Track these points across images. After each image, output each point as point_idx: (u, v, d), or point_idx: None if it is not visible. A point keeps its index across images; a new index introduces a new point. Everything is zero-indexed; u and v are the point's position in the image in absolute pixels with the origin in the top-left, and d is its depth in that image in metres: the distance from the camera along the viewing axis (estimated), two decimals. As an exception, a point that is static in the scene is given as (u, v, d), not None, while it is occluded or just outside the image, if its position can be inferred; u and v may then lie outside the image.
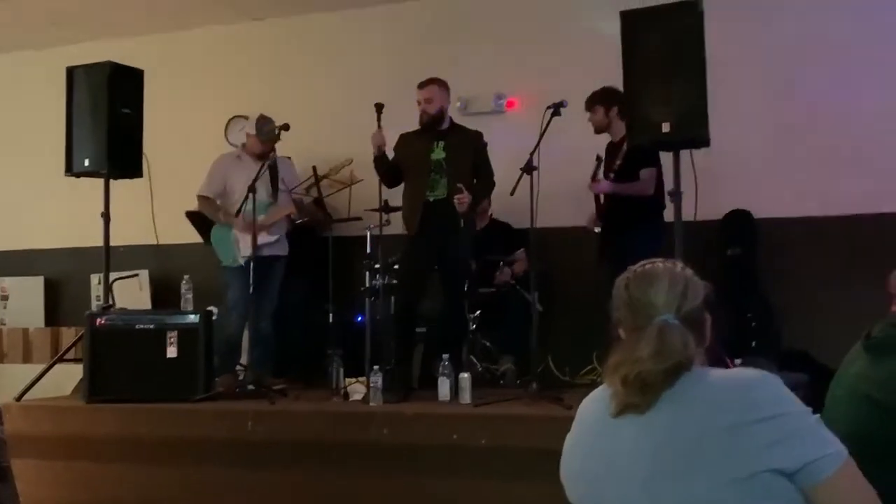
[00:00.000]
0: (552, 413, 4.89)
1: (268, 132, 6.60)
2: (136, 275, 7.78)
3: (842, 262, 6.61)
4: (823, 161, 6.72)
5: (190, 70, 8.49)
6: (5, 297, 8.72)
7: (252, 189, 6.15)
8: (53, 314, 8.70)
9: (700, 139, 5.16)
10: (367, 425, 5.13)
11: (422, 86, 6.17)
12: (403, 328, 6.15)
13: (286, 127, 6.29)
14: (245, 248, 6.51)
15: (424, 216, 6.03)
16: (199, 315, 5.99)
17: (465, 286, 6.26)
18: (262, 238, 6.45)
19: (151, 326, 5.93)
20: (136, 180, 6.50)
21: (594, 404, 2.16)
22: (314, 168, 6.74)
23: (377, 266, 6.27)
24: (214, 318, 6.25)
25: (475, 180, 6.14)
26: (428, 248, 6.06)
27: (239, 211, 6.32)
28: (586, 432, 2.15)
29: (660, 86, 5.21)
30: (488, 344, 6.73)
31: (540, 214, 5.59)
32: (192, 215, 7.45)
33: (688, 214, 5.33)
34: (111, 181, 6.41)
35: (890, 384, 2.44)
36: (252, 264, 6.24)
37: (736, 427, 1.91)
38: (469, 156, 6.14)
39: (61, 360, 6.61)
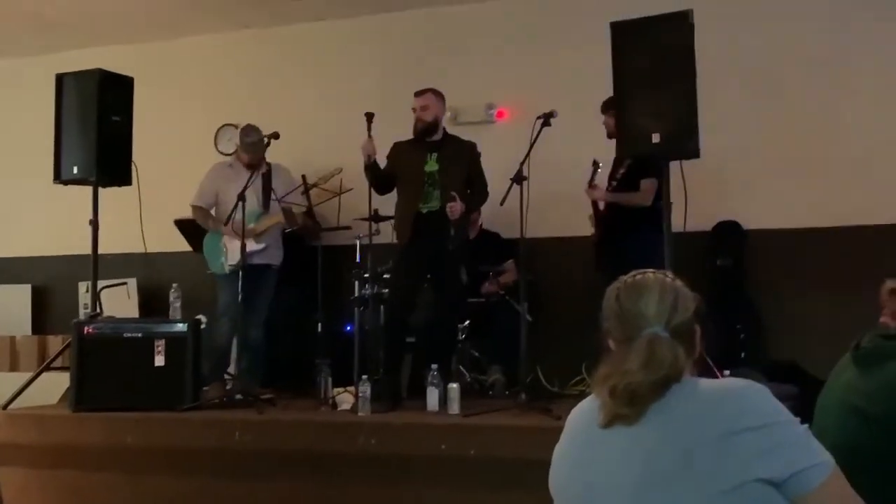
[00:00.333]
0: (541, 424, 4.89)
1: (250, 143, 6.59)
2: (125, 283, 7.75)
3: (831, 274, 6.63)
4: (812, 173, 6.75)
5: (180, 78, 8.49)
6: (-8, 305, 8.70)
7: (241, 197, 6.14)
8: (40, 322, 8.66)
9: (690, 150, 5.17)
10: (355, 435, 5.11)
11: (418, 94, 6.18)
12: (393, 338, 6.14)
13: (276, 136, 6.28)
14: (232, 256, 6.50)
15: (416, 227, 6.02)
16: (187, 324, 5.97)
17: (457, 297, 6.25)
18: (250, 246, 6.44)
19: (139, 335, 5.91)
20: (124, 188, 6.47)
21: (583, 415, 2.16)
22: (304, 177, 6.72)
23: (366, 275, 6.27)
24: (203, 326, 6.23)
25: (468, 191, 6.13)
26: (419, 259, 6.05)
27: (229, 219, 6.31)
28: (575, 443, 2.15)
29: (650, 97, 5.22)
30: (477, 354, 6.73)
31: (529, 224, 5.59)
32: (180, 224, 7.44)
33: (677, 225, 5.34)
34: (100, 189, 6.39)
35: (878, 395, 2.45)
36: (242, 272, 6.22)
37: (725, 437, 1.90)
38: (463, 167, 6.14)
39: (48, 368, 6.58)
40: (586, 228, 6.55)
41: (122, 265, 7.72)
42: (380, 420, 5.31)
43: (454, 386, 5.49)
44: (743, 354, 6.60)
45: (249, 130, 6.66)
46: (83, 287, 7.81)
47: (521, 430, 4.91)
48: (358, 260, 6.49)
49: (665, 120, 5.15)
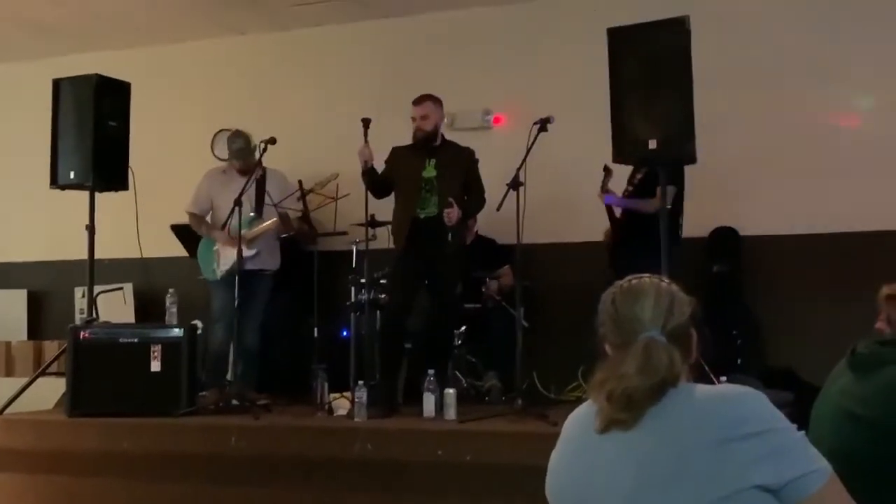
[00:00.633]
0: (537, 429, 4.89)
1: (237, 149, 6.58)
2: (121, 288, 7.75)
3: (827, 280, 6.63)
4: (809, 179, 6.75)
5: (177, 84, 8.49)
6: (-12, 310, 8.68)
7: (238, 203, 6.15)
8: (36, 327, 8.65)
9: (686, 156, 5.17)
10: (351, 441, 5.11)
11: (417, 102, 6.18)
12: (390, 343, 6.14)
13: (272, 141, 6.28)
14: (224, 263, 6.51)
15: (413, 232, 6.03)
16: (183, 329, 5.97)
17: (453, 303, 6.26)
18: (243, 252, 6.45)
19: (135, 340, 5.91)
20: (121, 193, 6.47)
21: (579, 420, 2.16)
22: (300, 182, 6.72)
23: (363, 281, 6.27)
24: (199, 332, 6.23)
25: (466, 197, 6.14)
26: (417, 265, 6.05)
27: (225, 224, 6.32)
28: (571, 448, 2.15)
29: (646, 102, 5.22)
30: (474, 360, 6.73)
31: (526, 230, 5.59)
32: (177, 229, 7.43)
33: (675, 231, 5.34)
34: (96, 194, 6.39)
35: (874, 401, 2.45)
36: (237, 278, 6.21)
37: (721, 443, 1.90)
38: (460, 173, 6.14)
39: (44, 373, 6.58)
40: (583, 234, 6.56)
41: (119, 270, 7.71)
42: (376, 426, 5.31)
43: (450, 391, 5.49)
44: (739, 361, 6.59)
45: (235, 137, 6.65)
46: (79, 292, 7.79)
47: (518, 435, 4.91)
48: (354, 265, 6.48)
49: (662, 125, 5.16)
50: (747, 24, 7.02)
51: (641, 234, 5.91)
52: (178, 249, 7.56)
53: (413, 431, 5.21)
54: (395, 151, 6.28)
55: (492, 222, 6.68)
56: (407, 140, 6.26)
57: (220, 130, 8.10)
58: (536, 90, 7.25)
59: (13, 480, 5.63)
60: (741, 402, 1.97)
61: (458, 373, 6.44)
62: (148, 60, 8.41)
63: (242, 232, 6.36)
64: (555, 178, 6.61)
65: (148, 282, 7.74)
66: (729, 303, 6.80)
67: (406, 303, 6.16)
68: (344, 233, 6.64)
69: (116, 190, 6.46)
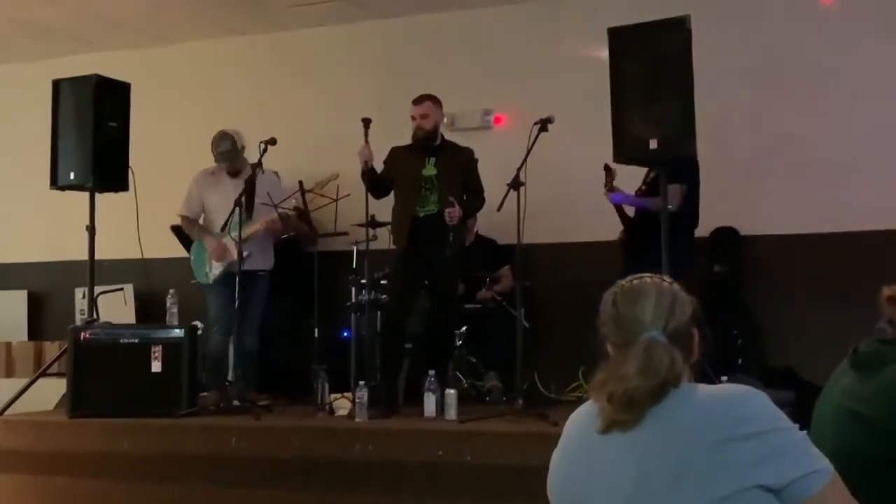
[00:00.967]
0: (538, 429, 4.89)
1: (222, 152, 6.55)
2: (121, 289, 7.75)
3: (827, 280, 6.62)
4: (809, 179, 6.74)
5: (177, 84, 8.48)
6: (-12, 311, 8.67)
7: (239, 203, 6.15)
8: (37, 328, 8.65)
9: (687, 156, 5.17)
10: (352, 441, 5.11)
11: (417, 101, 6.18)
12: (390, 344, 6.15)
13: (273, 141, 6.27)
14: (217, 266, 6.50)
15: (413, 231, 6.03)
16: (183, 329, 5.97)
17: (453, 302, 6.26)
18: (225, 256, 6.44)
19: (136, 341, 5.90)
20: (121, 194, 6.47)
21: (580, 421, 2.15)
22: (300, 182, 6.72)
23: (363, 281, 6.26)
24: (199, 332, 6.23)
25: (465, 197, 6.14)
26: (417, 264, 6.05)
27: (225, 225, 6.32)
28: (573, 449, 2.15)
29: (647, 102, 5.22)
30: (474, 360, 6.72)
31: (526, 230, 5.59)
32: (177, 229, 7.43)
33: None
34: (96, 195, 6.39)
35: (877, 400, 2.45)
36: (238, 279, 6.20)
37: (723, 443, 1.90)
38: (460, 172, 6.15)
39: (44, 374, 6.57)
40: (583, 234, 6.55)
41: (119, 271, 7.71)
42: (377, 426, 5.31)
43: (451, 392, 5.49)
44: (740, 360, 6.58)
45: (221, 139, 6.58)
46: (80, 293, 7.79)
47: (518, 436, 4.91)
48: (355, 266, 6.48)
49: (662, 125, 5.16)
50: (747, 23, 7.02)
51: (654, 233, 5.87)
52: (178, 250, 7.54)
53: (414, 432, 5.21)
54: (395, 151, 6.29)
55: (492, 222, 6.68)
56: (407, 140, 6.26)
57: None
58: (537, 90, 7.25)
59: (13, 481, 5.63)
60: (742, 402, 1.97)
61: (458, 373, 6.44)
62: (148, 61, 8.41)
63: (233, 235, 6.38)
64: (555, 179, 6.61)
65: (148, 282, 7.73)
66: (729, 302, 6.79)
67: (406, 303, 6.16)
68: (344, 233, 6.64)
69: (116, 191, 6.46)
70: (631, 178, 6.20)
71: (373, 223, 6.14)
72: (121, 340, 5.92)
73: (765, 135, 6.88)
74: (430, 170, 6.12)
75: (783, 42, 6.94)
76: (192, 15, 7.94)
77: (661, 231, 5.50)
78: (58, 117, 6.41)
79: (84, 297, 6.84)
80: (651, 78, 5.23)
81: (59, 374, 6.43)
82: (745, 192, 6.92)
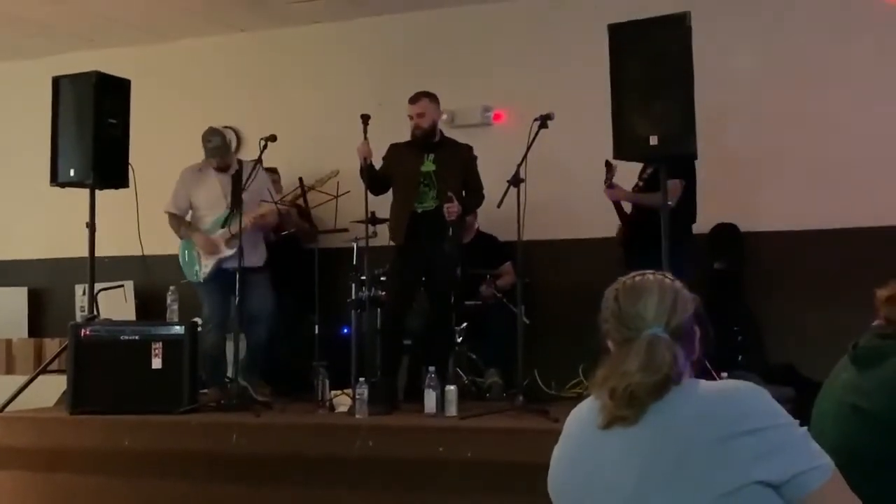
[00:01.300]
0: (538, 426, 4.89)
1: (212, 148, 6.54)
2: (121, 286, 7.74)
3: (827, 277, 6.63)
4: (810, 175, 6.74)
5: (176, 81, 8.48)
6: (-12, 308, 8.67)
7: (237, 202, 6.15)
8: (37, 325, 8.65)
9: (687, 153, 5.17)
10: (352, 438, 5.11)
11: (413, 100, 6.17)
12: (390, 340, 6.15)
13: (273, 138, 6.27)
14: (206, 265, 6.50)
15: (412, 227, 6.03)
16: (184, 326, 5.97)
17: (452, 298, 6.26)
18: (220, 252, 6.43)
19: (136, 338, 5.90)
20: (121, 191, 6.47)
21: (581, 417, 2.16)
22: (300, 179, 6.72)
23: (363, 278, 6.26)
24: (199, 329, 6.22)
25: (464, 193, 6.14)
26: (415, 260, 6.06)
27: (225, 223, 6.32)
28: (573, 445, 2.15)
29: (647, 99, 5.22)
30: (474, 357, 6.72)
31: (527, 227, 5.59)
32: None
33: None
34: (96, 191, 6.39)
35: (878, 395, 2.45)
36: (238, 277, 6.20)
37: (724, 439, 1.90)
38: (459, 169, 6.15)
39: (45, 371, 6.57)
40: (584, 230, 6.55)
41: (119, 268, 7.70)
42: (377, 422, 5.31)
43: (451, 388, 5.50)
44: (740, 357, 6.58)
45: (211, 135, 6.57)
46: (80, 290, 7.79)
47: (519, 432, 4.91)
48: (355, 262, 6.48)
49: (662, 122, 5.15)
50: (748, 19, 7.01)
51: (653, 229, 5.87)
52: (178, 247, 7.55)
53: (414, 428, 5.22)
54: (393, 148, 6.29)
55: (492, 219, 6.68)
56: (406, 137, 6.26)
57: (223, 127, 8.10)
58: (537, 87, 7.24)
59: (14, 478, 5.63)
60: (743, 398, 1.97)
61: (458, 369, 6.44)
62: (147, 58, 8.40)
63: (220, 232, 6.38)
64: (555, 175, 6.60)
65: (148, 279, 7.73)
66: (730, 299, 6.79)
67: (405, 300, 6.17)
68: (344, 230, 6.63)
69: (117, 187, 6.46)
70: (631, 174, 6.20)
71: (373, 220, 6.15)
72: (121, 337, 5.92)
73: (765, 131, 6.88)
74: (428, 166, 6.12)
75: (783, 39, 6.93)
76: (191, 12, 7.93)
77: (659, 227, 5.48)
78: (58, 114, 6.40)
79: (84, 293, 6.84)
80: (651, 75, 5.22)
81: (59, 371, 6.43)
82: (746, 188, 6.92)
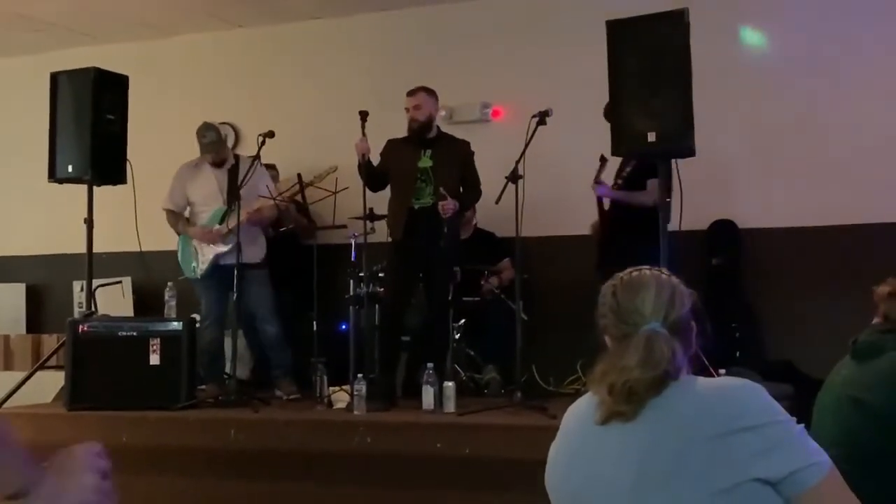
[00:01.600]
0: (536, 422, 4.89)
1: (207, 143, 6.53)
2: (119, 282, 7.74)
3: (825, 273, 6.63)
4: (808, 172, 6.75)
5: (174, 77, 8.47)
6: (-14, 304, 8.66)
7: (236, 197, 6.14)
8: (35, 321, 8.64)
9: (685, 149, 5.17)
10: (350, 434, 5.11)
11: (411, 93, 6.18)
12: (388, 336, 6.15)
13: (271, 134, 6.26)
14: (203, 261, 6.49)
15: (409, 223, 6.03)
16: (182, 322, 5.96)
17: (450, 295, 6.26)
18: (216, 248, 6.43)
19: (134, 334, 5.90)
20: (119, 187, 6.46)
21: (579, 413, 2.16)
22: (299, 175, 6.72)
23: (361, 274, 6.26)
24: (198, 325, 6.22)
25: (461, 189, 6.14)
26: (413, 256, 6.05)
27: (223, 219, 6.31)
28: (571, 441, 2.15)
29: (645, 95, 5.21)
30: (472, 353, 6.72)
31: (525, 223, 5.59)
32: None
33: (672, 224, 5.33)
34: (94, 187, 6.38)
35: (878, 388, 2.46)
36: (236, 273, 6.19)
37: (721, 436, 1.90)
38: (456, 165, 6.15)
39: (43, 367, 6.57)
40: (582, 227, 6.54)
41: (117, 264, 7.70)
42: (375, 419, 5.31)
43: (449, 385, 5.50)
44: (738, 354, 6.59)
45: (206, 130, 6.55)
46: (78, 286, 7.78)
47: (517, 428, 4.91)
48: (353, 258, 6.48)
49: (661, 118, 5.15)
50: (747, 15, 7.01)
51: (632, 227, 5.92)
52: (176, 243, 7.55)
53: (412, 424, 5.22)
54: (391, 144, 6.29)
55: (491, 216, 6.68)
56: (404, 133, 6.25)
57: (219, 124, 8.09)
58: (535, 83, 7.24)
59: (12, 474, 5.63)
60: (741, 395, 1.98)
61: (457, 366, 6.44)
62: (145, 54, 8.40)
63: (216, 227, 6.37)
64: (554, 172, 6.60)
65: (146, 275, 7.73)
66: (728, 296, 6.79)
67: (403, 296, 6.17)
68: (343, 226, 6.62)
69: (115, 183, 6.45)
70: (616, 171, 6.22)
71: (371, 216, 6.14)
72: (119, 333, 5.91)
73: (763, 127, 6.88)
74: (425, 162, 6.12)
75: (782, 34, 6.93)
76: (189, 7, 7.93)
77: (638, 225, 5.71)
78: (56, 110, 6.39)
79: (82, 290, 6.83)
80: (649, 71, 5.22)
81: (57, 367, 6.43)
82: (744, 185, 6.93)
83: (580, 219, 6.60)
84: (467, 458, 4.84)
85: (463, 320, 6.58)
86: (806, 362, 6.11)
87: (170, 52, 8.56)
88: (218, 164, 6.57)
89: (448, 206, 5.89)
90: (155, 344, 5.85)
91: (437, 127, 6.30)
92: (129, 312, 7.80)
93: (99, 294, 6.67)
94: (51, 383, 6.39)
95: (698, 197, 6.10)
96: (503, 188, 5.56)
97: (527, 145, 5.59)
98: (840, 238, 6.62)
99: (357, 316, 6.31)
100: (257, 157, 6.38)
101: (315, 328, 6.55)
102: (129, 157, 6.46)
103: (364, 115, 6.04)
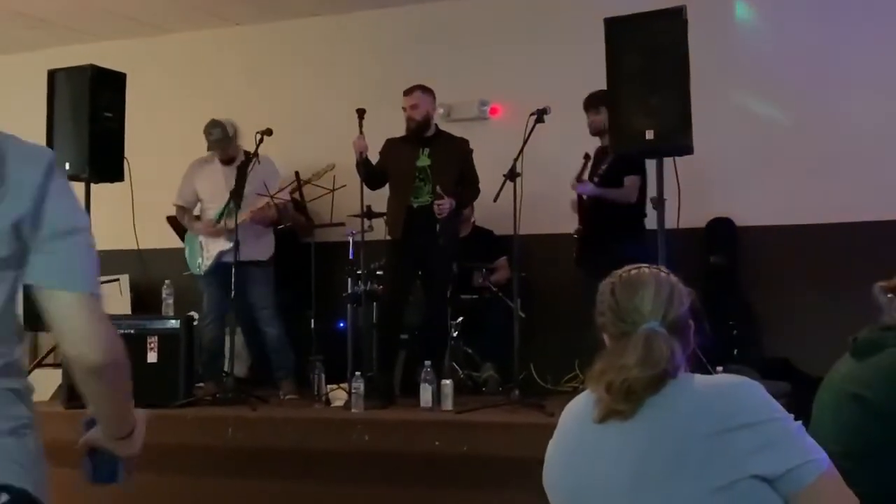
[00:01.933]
0: (534, 420, 4.89)
1: (214, 140, 6.53)
2: (117, 280, 7.72)
3: (823, 271, 6.63)
4: (805, 170, 6.74)
5: (172, 74, 8.46)
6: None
7: (234, 194, 6.14)
8: (33, 318, 8.53)
9: (683, 147, 5.16)
10: (348, 432, 5.11)
11: (407, 92, 6.17)
12: (386, 334, 6.15)
13: (269, 132, 6.26)
14: (207, 257, 6.49)
15: (408, 222, 6.03)
16: (179, 320, 5.96)
17: (448, 293, 6.26)
18: (219, 245, 6.42)
19: (132, 331, 5.88)
20: (116, 184, 6.45)
21: (577, 411, 2.16)
22: (297, 173, 6.71)
23: (359, 272, 6.26)
24: (195, 323, 6.22)
25: (459, 187, 6.14)
26: (411, 255, 6.06)
27: (221, 216, 6.31)
28: (569, 439, 2.15)
29: (644, 93, 5.20)
30: (470, 351, 6.73)
31: (523, 221, 5.59)
32: (173, 220, 7.41)
33: (670, 222, 5.34)
34: (92, 185, 6.37)
35: (877, 384, 2.46)
36: (234, 271, 6.18)
37: (719, 433, 1.91)
38: (455, 163, 6.14)
39: (40, 364, 6.56)
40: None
41: (115, 262, 7.66)
42: (373, 416, 5.32)
43: (447, 382, 5.50)
44: (736, 352, 6.59)
45: (212, 127, 6.54)
46: (75, 284, 7.76)
47: (514, 426, 4.92)
48: (351, 256, 6.48)
49: (659, 116, 5.14)
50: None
51: (611, 224, 5.96)
52: (174, 241, 7.53)
53: (410, 422, 5.22)
54: (389, 143, 6.29)
55: (489, 213, 6.68)
56: (402, 131, 6.25)
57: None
58: (533, 81, 7.23)
59: (10, 472, 5.63)
60: (739, 392, 1.98)
61: (454, 364, 6.44)
62: (143, 51, 8.39)
63: (220, 224, 6.36)
64: (551, 169, 6.59)
65: (144, 273, 7.71)
66: (726, 294, 6.79)
67: (401, 294, 6.17)
68: (341, 224, 6.63)
69: (112, 181, 6.43)
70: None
71: (369, 214, 6.14)
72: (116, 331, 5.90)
73: (761, 125, 6.87)
74: (424, 160, 6.12)
75: (779, 32, 6.93)
76: (187, 4, 7.92)
77: (616, 224, 5.93)
78: (53, 108, 6.36)
79: (80, 287, 6.81)
80: (648, 68, 5.21)
81: (55, 365, 6.42)
82: (742, 182, 6.92)
83: (578, 217, 6.58)
84: (465, 456, 4.84)
85: (461, 318, 6.59)
86: (803, 360, 6.12)
87: (167, 50, 8.55)
88: (226, 162, 6.56)
89: (444, 205, 5.89)
90: (152, 342, 5.85)
91: (436, 125, 6.30)
92: (127, 310, 7.78)
93: (96, 292, 6.65)
94: (49, 381, 6.36)
95: (696, 195, 6.10)
96: (501, 186, 5.56)
97: (525, 143, 5.59)
98: (838, 236, 6.62)
99: (355, 314, 6.31)
100: (255, 154, 6.38)
101: (313, 326, 6.55)
102: (126, 154, 6.44)
103: (362, 113, 6.04)
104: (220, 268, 6.41)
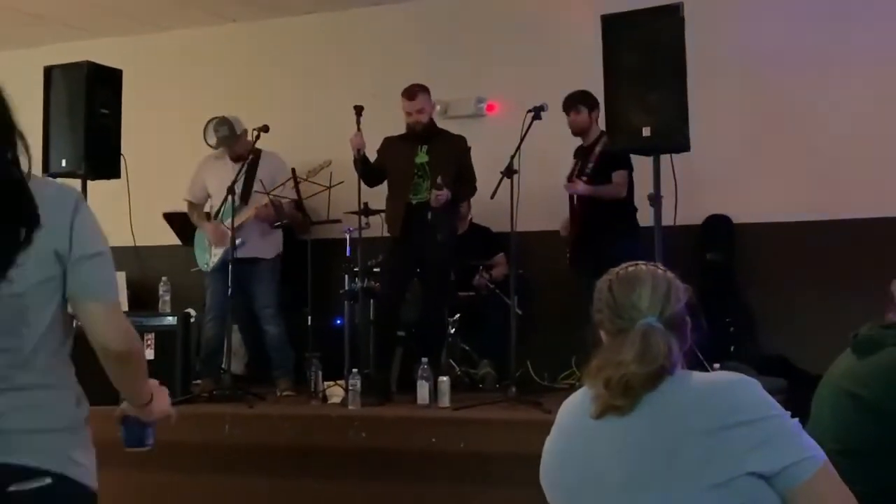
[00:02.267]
0: (531, 417, 4.90)
1: (221, 137, 6.53)
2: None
3: (820, 268, 6.63)
4: (803, 167, 6.74)
5: (169, 71, 8.45)
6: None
7: (231, 191, 6.13)
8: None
9: (680, 144, 5.16)
10: (345, 429, 5.11)
11: (411, 97, 6.12)
12: (383, 331, 6.15)
13: (265, 129, 6.26)
14: (214, 254, 6.49)
15: (407, 219, 6.02)
16: (176, 317, 5.96)
17: (446, 290, 6.26)
18: (226, 242, 6.43)
19: (129, 329, 5.87)
20: (113, 181, 6.44)
21: (574, 408, 2.16)
22: (293, 170, 6.71)
23: (356, 269, 6.26)
24: (192, 320, 6.21)
25: (457, 184, 6.13)
26: (409, 252, 6.05)
27: (218, 213, 6.30)
28: (566, 436, 2.15)
29: (640, 90, 5.20)
30: (467, 348, 6.73)
31: (520, 218, 5.59)
32: (170, 217, 7.41)
33: (667, 219, 5.33)
34: (88, 182, 6.36)
35: (875, 383, 2.46)
36: (231, 268, 6.18)
37: (715, 430, 1.91)
38: (453, 160, 6.14)
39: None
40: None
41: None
42: (370, 413, 5.31)
43: (444, 379, 5.50)
44: (732, 348, 6.59)
45: (220, 125, 6.57)
46: (72, 281, 7.75)
47: (511, 423, 4.92)
48: (348, 253, 6.47)
49: (656, 113, 5.14)
50: (741, 9, 7.00)
51: (603, 222, 5.97)
52: (171, 238, 7.54)
53: (407, 419, 5.22)
54: (387, 141, 6.29)
55: (486, 210, 6.68)
56: (400, 129, 6.25)
57: (213, 118, 8.08)
58: (530, 78, 7.23)
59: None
60: (735, 389, 1.98)
61: (451, 361, 6.45)
62: (139, 48, 8.37)
63: (227, 222, 6.36)
64: (549, 166, 6.58)
65: (141, 270, 7.70)
66: (722, 290, 6.79)
67: (399, 291, 6.17)
68: (337, 221, 6.62)
69: (108, 178, 6.42)
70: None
71: (366, 211, 6.14)
72: (113, 328, 5.89)
73: (758, 122, 6.87)
74: (422, 157, 6.12)
75: (777, 28, 6.93)
76: (183, 2, 7.91)
77: (607, 219, 5.97)
78: (49, 104, 6.35)
79: (76, 285, 6.80)
80: (644, 65, 5.21)
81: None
82: (739, 180, 6.92)
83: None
84: (462, 453, 4.84)
85: (458, 315, 6.58)
86: (800, 357, 6.12)
87: (164, 47, 8.54)
88: (235, 159, 6.56)
89: (441, 195, 5.88)
90: (149, 338, 5.85)
91: (433, 122, 6.29)
92: (124, 307, 7.73)
93: (93, 289, 6.64)
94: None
95: (693, 192, 6.12)
96: (498, 183, 5.56)
97: (522, 140, 5.59)
98: (835, 233, 6.62)
99: (352, 311, 6.31)
100: (252, 151, 6.37)
101: (310, 323, 6.55)
102: (122, 151, 6.43)
103: (359, 110, 6.04)
104: (226, 265, 6.40)
